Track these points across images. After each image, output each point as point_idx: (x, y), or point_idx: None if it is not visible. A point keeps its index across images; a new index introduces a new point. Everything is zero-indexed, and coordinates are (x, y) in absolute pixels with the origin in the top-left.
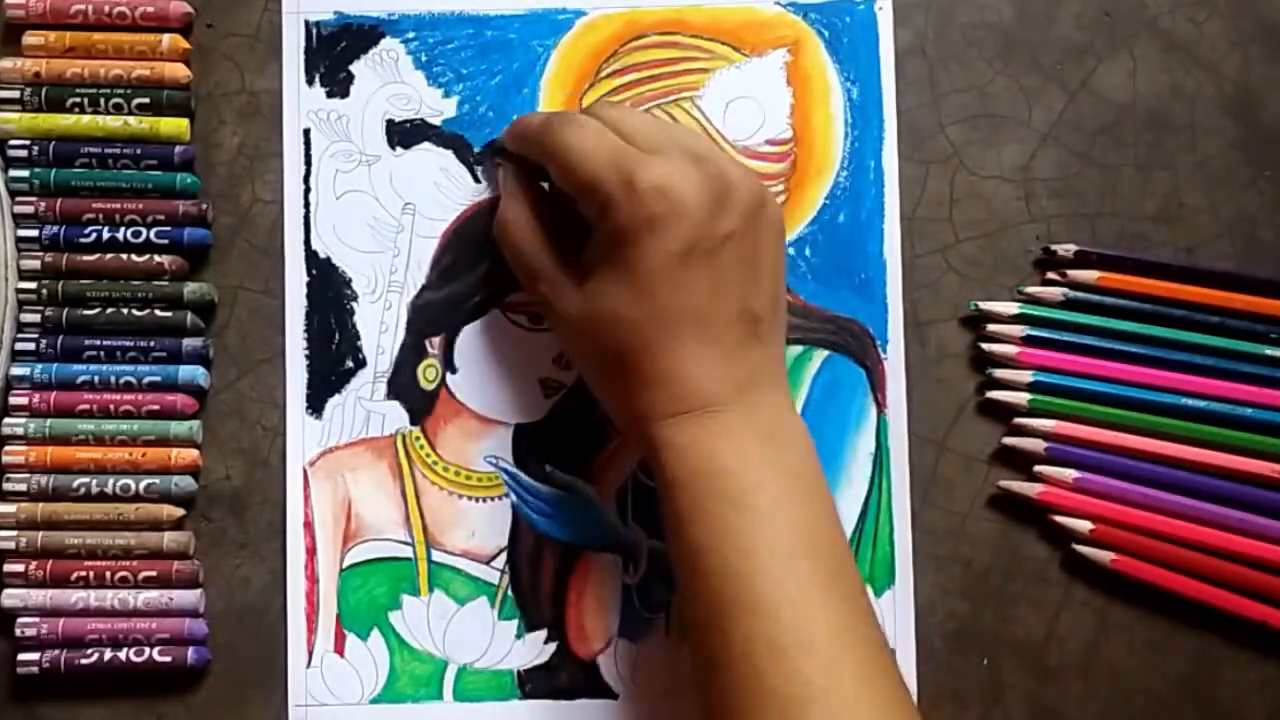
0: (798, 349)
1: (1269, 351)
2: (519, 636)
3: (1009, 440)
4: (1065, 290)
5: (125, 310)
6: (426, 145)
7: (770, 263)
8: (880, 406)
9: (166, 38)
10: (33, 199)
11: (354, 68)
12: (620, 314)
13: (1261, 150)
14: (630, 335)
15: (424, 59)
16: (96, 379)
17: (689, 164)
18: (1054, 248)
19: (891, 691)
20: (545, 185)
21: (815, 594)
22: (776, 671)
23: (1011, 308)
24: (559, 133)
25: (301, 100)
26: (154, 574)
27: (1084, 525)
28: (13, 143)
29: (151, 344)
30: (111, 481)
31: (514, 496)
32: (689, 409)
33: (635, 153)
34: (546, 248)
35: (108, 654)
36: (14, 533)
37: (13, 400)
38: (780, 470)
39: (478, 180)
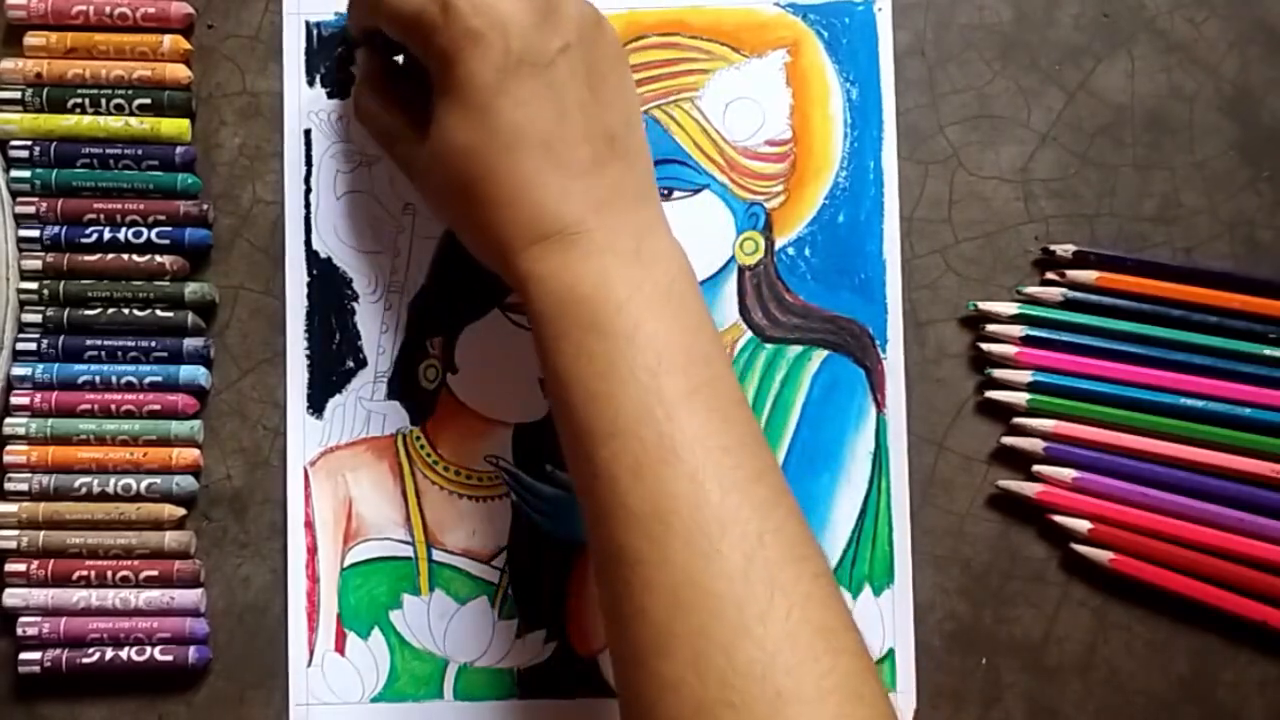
0: (797, 349)
1: (1268, 351)
2: (519, 636)
3: (1008, 440)
4: (1064, 290)
5: (126, 310)
6: None
7: (616, 78)
8: (879, 406)
9: (167, 39)
10: (34, 199)
11: (354, 68)
12: (460, 141)
13: (1260, 151)
14: (475, 162)
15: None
16: (98, 379)
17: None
18: (1053, 248)
19: (766, 498)
20: (399, 60)
21: (680, 409)
22: (639, 489)
23: (1010, 308)
24: None
25: (302, 101)
26: (155, 573)
27: (1083, 525)
28: (14, 143)
29: (153, 344)
30: (113, 481)
31: (514, 496)
32: (546, 234)
33: None
34: (397, 109)
35: (109, 653)
36: (15, 532)
37: (14, 400)
38: (645, 288)
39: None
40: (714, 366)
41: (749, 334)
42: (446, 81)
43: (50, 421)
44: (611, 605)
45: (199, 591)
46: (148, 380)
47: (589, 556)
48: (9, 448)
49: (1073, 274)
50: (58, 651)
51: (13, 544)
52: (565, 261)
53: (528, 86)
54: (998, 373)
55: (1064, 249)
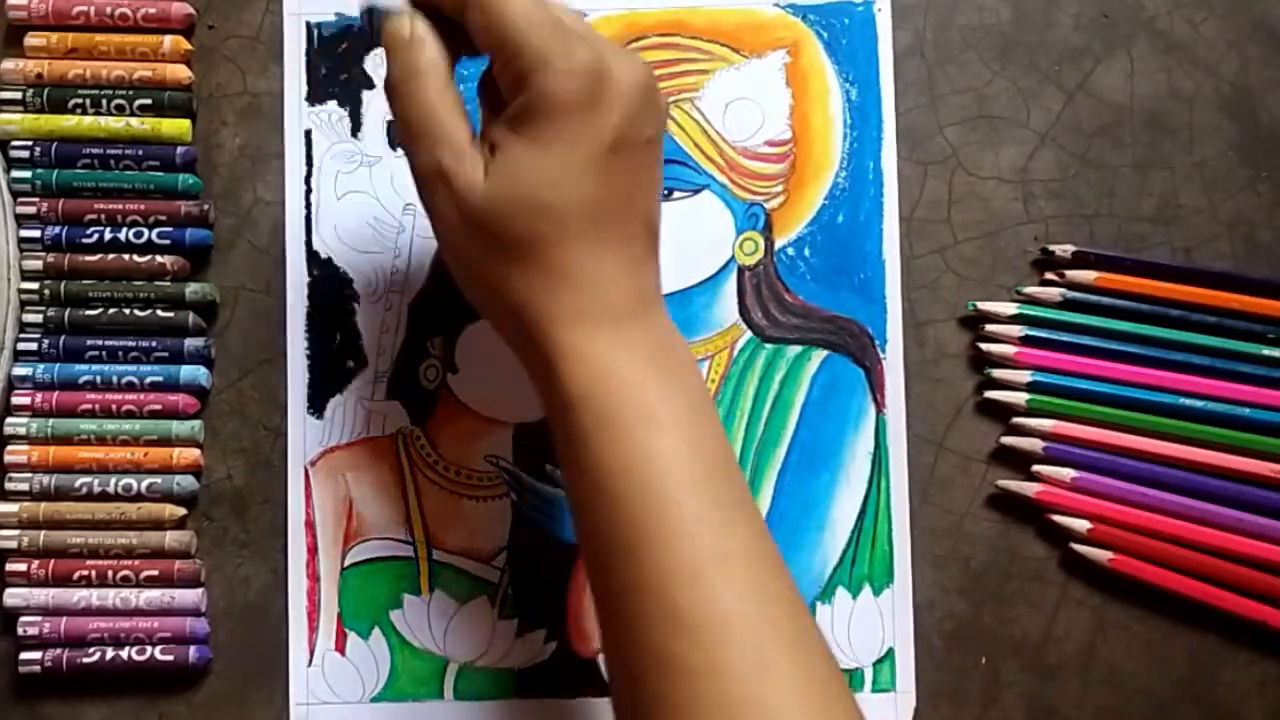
0: (797, 349)
1: (1267, 351)
2: (519, 636)
3: (1007, 440)
4: (1063, 290)
5: (127, 310)
6: None
7: (661, 172)
8: (879, 406)
9: (168, 39)
10: (35, 200)
11: (355, 69)
12: (537, 198)
13: (1259, 151)
14: (545, 223)
15: None
16: (99, 379)
17: (624, 55)
18: (1052, 248)
19: (802, 608)
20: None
21: (730, 513)
22: (694, 596)
23: (1010, 308)
24: None
25: (303, 101)
26: (156, 573)
27: (1082, 525)
28: (15, 144)
29: (153, 344)
30: (113, 481)
31: (514, 496)
32: (595, 315)
33: (574, 24)
34: (459, 113)
35: (109, 653)
36: (16, 532)
37: (15, 400)
38: (681, 389)
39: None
40: (742, 478)
41: (749, 334)
42: (541, 129)
43: (51, 421)
44: (652, 715)
45: (199, 591)
46: (148, 380)
47: (609, 670)
48: (10, 448)
49: (1072, 274)
50: (58, 651)
51: (13, 544)
52: (609, 346)
53: (618, 165)
54: (997, 373)
55: (1063, 249)
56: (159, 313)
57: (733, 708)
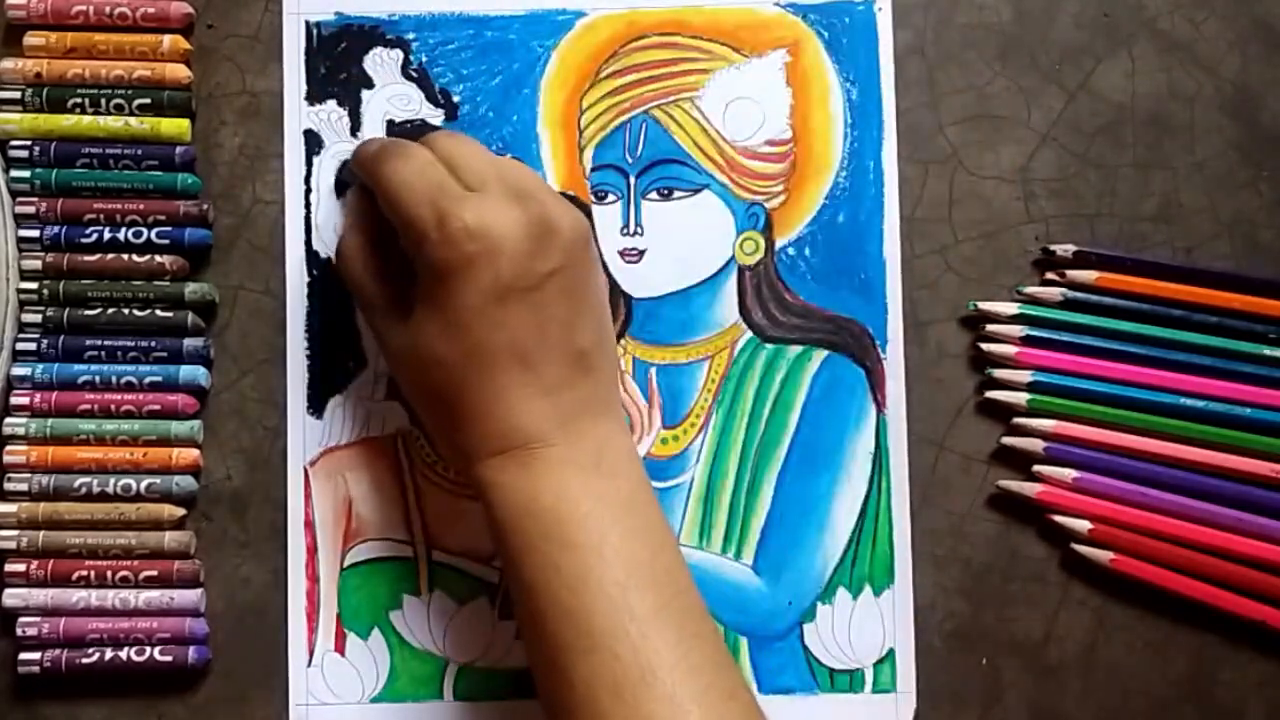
0: (797, 349)
1: (1268, 351)
2: (519, 636)
3: (1008, 440)
4: (1064, 290)
5: (126, 310)
6: None
7: (594, 294)
8: (879, 406)
9: (167, 38)
10: (34, 199)
11: (354, 68)
12: (437, 351)
13: (1260, 150)
14: (447, 373)
15: (424, 59)
16: (98, 379)
17: (509, 202)
18: (1053, 248)
19: (742, 713)
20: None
21: (651, 626)
22: (619, 709)
23: (1010, 308)
24: (386, 163)
25: (302, 101)
26: (155, 573)
27: (1083, 525)
28: (14, 143)
29: (152, 344)
30: (112, 481)
31: None
32: (509, 446)
33: (455, 190)
34: (380, 280)
35: (109, 653)
36: (15, 532)
37: (14, 400)
38: (607, 501)
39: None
40: (678, 580)
41: (749, 334)
42: (431, 292)
43: (50, 421)
44: None
45: (199, 591)
46: (147, 380)
47: None
48: (9, 448)
49: (1073, 274)
50: (57, 651)
51: (13, 544)
52: (527, 474)
53: (513, 310)
54: (998, 373)
55: (1064, 249)
56: (158, 313)
57: None
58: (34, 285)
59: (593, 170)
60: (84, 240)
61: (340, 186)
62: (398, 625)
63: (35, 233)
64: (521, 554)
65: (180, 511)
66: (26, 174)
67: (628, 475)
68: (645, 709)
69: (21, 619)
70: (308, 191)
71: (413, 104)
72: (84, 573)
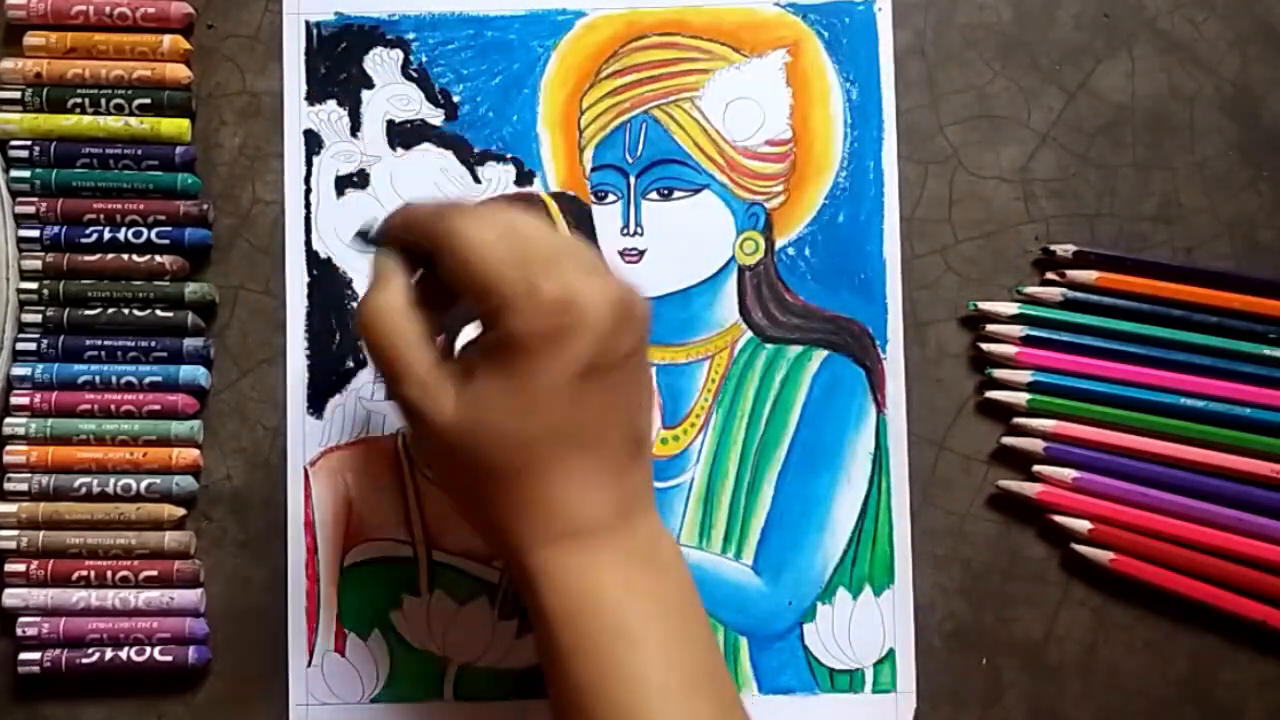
0: (797, 349)
1: (1268, 351)
2: (519, 636)
3: (1008, 440)
4: (1064, 290)
5: (126, 310)
6: (427, 146)
7: (649, 377)
8: (880, 406)
9: (167, 38)
10: (34, 199)
11: (354, 68)
12: (505, 428)
13: (1260, 151)
14: (514, 452)
15: (424, 60)
16: (98, 379)
17: (594, 279)
18: (1053, 248)
19: None
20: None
21: None
22: None
23: (1010, 308)
24: (459, 222)
25: (302, 101)
26: (155, 573)
27: (1083, 525)
28: (14, 143)
29: (152, 344)
30: (112, 481)
31: None
32: (569, 533)
33: (541, 257)
34: (421, 346)
35: (109, 653)
36: (15, 532)
37: (14, 400)
38: (664, 600)
39: (478, 181)
40: (729, 688)
41: (749, 334)
42: (508, 365)
43: (50, 421)
44: None
45: (199, 592)
46: (147, 380)
47: None
48: (9, 448)
49: (1073, 274)
50: (57, 651)
51: (13, 544)
52: (585, 563)
53: (591, 389)
54: (998, 373)
55: (1064, 249)
56: (158, 313)
57: None
58: (34, 285)
59: (593, 170)
60: (84, 240)
61: (362, 242)
62: (398, 625)
63: (35, 233)
64: (577, 650)
65: (180, 511)
66: (26, 174)
67: (679, 570)
68: None
69: (21, 619)
70: (308, 191)
71: (413, 104)
72: (84, 573)
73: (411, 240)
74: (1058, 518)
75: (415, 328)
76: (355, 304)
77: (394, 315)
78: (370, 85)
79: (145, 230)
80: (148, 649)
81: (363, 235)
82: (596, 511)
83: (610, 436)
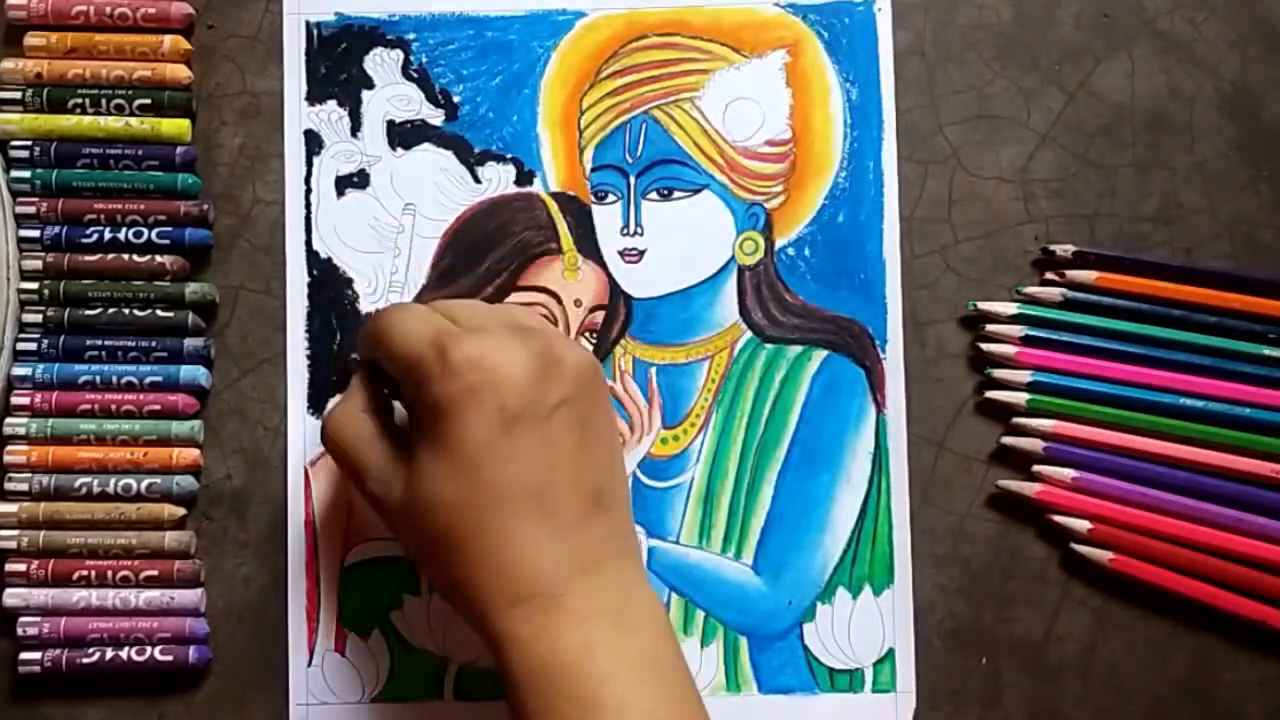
0: (797, 349)
1: (1267, 351)
2: None
3: (1008, 440)
4: (1064, 290)
5: (127, 310)
6: (427, 146)
7: (605, 430)
8: (879, 406)
9: (168, 39)
10: (34, 199)
11: (355, 69)
12: (443, 494)
13: (1260, 151)
14: (457, 518)
15: (425, 60)
16: (98, 379)
17: (511, 338)
18: (1052, 248)
19: None
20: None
21: None
22: None
23: (1010, 308)
24: (386, 316)
25: (302, 101)
26: (155, 573)
27: (1082, 525)
28: (14, 143)
29: (153, 344)
30: (113, 481)
31: None
32: (527, 595)
33: (455, 329)
34: (375, 442)
35: (109, 653)
36: (15, 532)
37: (14, 400)
38: (629, 658)
39: (478, 181)
40: None
41: (749, 334)
42: (435, 432)
43: (50, 421)
44: None
45: (199, 591)
46: (148, 380)
47: None
48: (9, 448)
49: (1072, 274)
50: (58, 651)
51: (13, 544)
52: (547, 626)
53: (522, 442)
54: (997, 373)
55: (1064, 249)
56: (159, 313)
57: None
58: (34, 285)
59: (593, 170)
60: (84, 240)
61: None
62: (398, 625)
63: (36, 233)
64: (537, 715)
65: (180, 511)
66: (27, 174)
67: (648, 626)
68: None
69: (22, 619)
70: (308, 191)
71: (413, 104)
72: (84, 572)
73: (365, 354)
74: (1057, 517)
75: (370, 428)
76: (356, 303)
77: (351, 421)
78: (370, 85)
79: (146, 230)
80: (148, 649)
81: (340, 367)
82: (550, 570)
83: (556, 492)
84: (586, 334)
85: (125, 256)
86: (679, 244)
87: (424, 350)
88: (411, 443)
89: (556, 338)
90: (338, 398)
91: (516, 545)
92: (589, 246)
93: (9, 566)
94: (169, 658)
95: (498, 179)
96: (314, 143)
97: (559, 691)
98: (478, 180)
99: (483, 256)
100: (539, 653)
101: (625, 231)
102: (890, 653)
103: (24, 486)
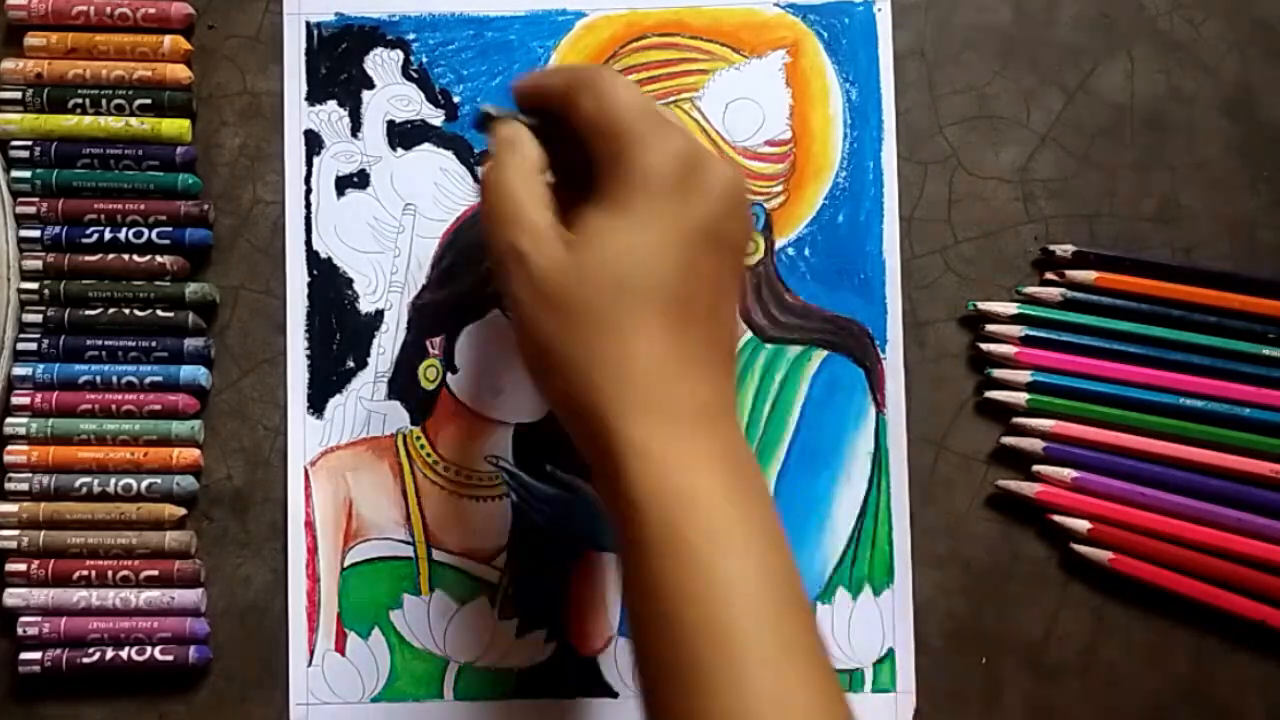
0: (797, 349)
1: (1267, 351)
2: (519, 636)
3: (1007, 440)
4: (1063, 290)
5: (127, 310)
6: (427, 146)
7: (736, 302)
8: (879, 406)
9: (168, 39)
10: (35, 199)
11: (355, 69)
12: (615, 270)
13: (1260, 151)
14: (620, 299)
15: (425, 60)
16: (98, 379)
17: (717, 156)
18: (1052, 248)
19: None
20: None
21: (796, 658)
22: None
23: (1010, 308)
24: (596, 71)
25: (302, 101)
26: (155, 573)
27: (1082, 524)
28: (15, 143)
29: (153, 344)
30: (113, 481)
31: (514, 496)
32: (668, 413)
33: (672, 119)
34: (542, 202)
35: (109, 653)
36: (16, 532)
37: (15, 400)
38: (754, 507)
39: (478, 181)
40: (809, 609)
41: (749, 334)
42: (627, 202)
43: (51, 421)
44: None
45: (199, 591)
46: (148, 380)
47: None
48: (9, 448)
49: (1072, 274)
50: (58, 651)
51: (13, 544)
52: (679, 449)
53: (704, 259)
54: (997, 372)
55: (1063, 249)
56: (159, 313)
57: None
58: (35, 285)
59: None
60: (84, 240)
61: (481, 126)
62: (398, 625)
63: (36, 233)
64: (663, 544)
65: (181, 511)
66: (27, 174)
67: (764, 483)
68: None
69: (22, 619)
70: (308, 191)
71: (413, 104)
72: (85, 572)
73: (541, 98)
74: (1057, 517)
75: (541, 190)
76: (356, 303)
77: (524, 172)
78: (371, 85)
79: (146, 230)
80: (148, 648)
81: (487, 115)
82: (699, 395)
83: (717, 322)
84: None
85: (125, 256)
86: None
87: (647, 120)
88: (585, 210)
89: (742, 175)
90: (501, 145)
91: (668, 354)
92: None
93: (9, 566)
94: (169, 658)
95: None
96: (314, 143)
97: (688, 520)
98: (478, 180)
99: (483, 256)
100: (670, 474)
101: None
102: (890, 653)
103: (24, 486)
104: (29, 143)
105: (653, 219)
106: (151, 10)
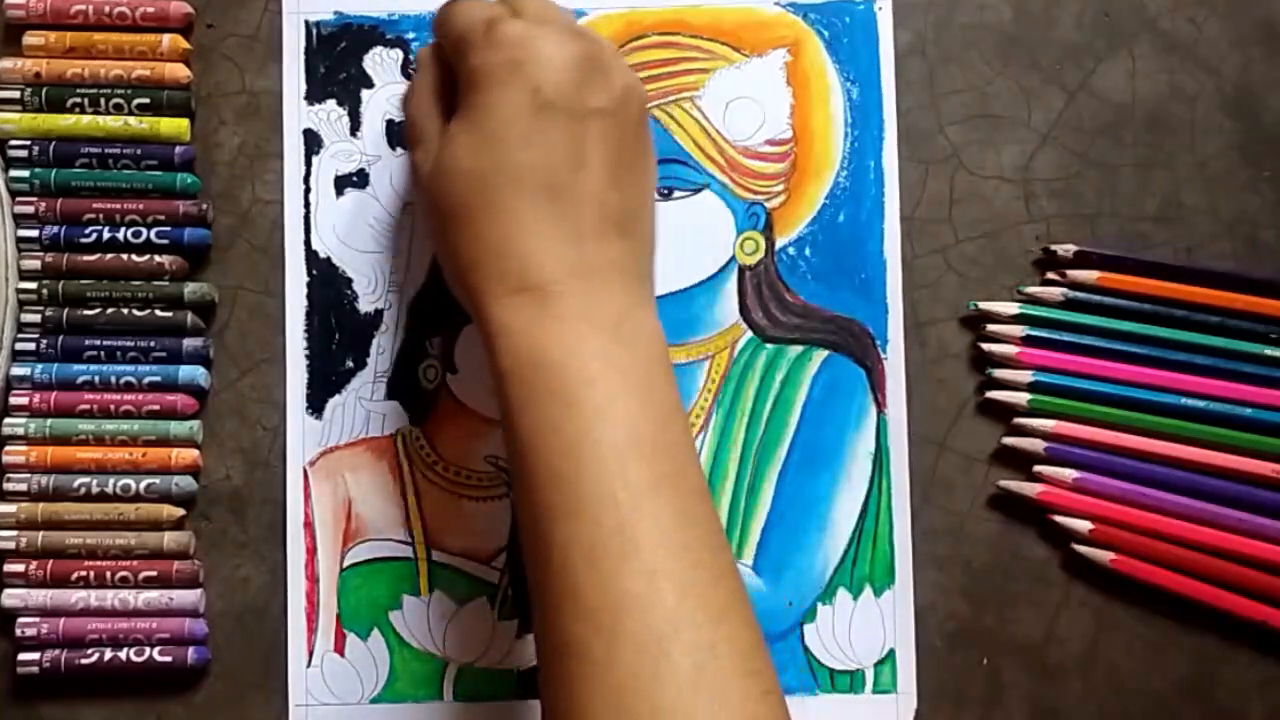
0: (798, 349)
1: (1269, 351)
2: (519, 636)
3: (1009, 440)
4: (1065, 290)
5: (125, 310)
6: None
7: (642, 161)
8: (880, 406)
9: (167, 38)
10: (33, 199)
11: (354, 68)
12: (464, 164)
13: (1261, 150)
14: (473, 190)
15: None
16: (97, 379)
17: (565, 33)
18: (1054, 248)
19: (723, 604)
20: None
21: (643, 497)
22: (593, 578)
23: (1011, 308)
24: (455, 3)
25: (301, 100)
26: (154, 574)
27: (1083, 525)
28: (13, 143)
29: (152, 344)
30: (112, 481)
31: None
32: (526, 286)
33: (512, 11)
34: (434, 118)
35: (108, 654)
36: (14, 533)
37: (13, 400)
38: (619, 367)
39: None
40: (680, 458)
41: (749, 334)
42: (468, 103)
43: (49, 421)
44: (553, 700)
45: (198, 592)
46: (147, 380)
47: (536, 645)
48: (8, 448)
49: (1074, 274)
50: (56, 652)
51: (12, 544)
52: (540, 319)
53: (550, 131)
54: (998, 373)
55: (1065, 249)
56: (157, 313)
57: (623, 706)
58: (33, 285)
59: None
60: (83, 240)
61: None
62: (398, 625)
63: (34, 233)
64: (521, 408)
65: (179, 512)
66: (26, 174)
67: (646, 347)
68: (621, 582)
69: (21, 619)
70: (307, 191)
71: None
72: (83, 573)
73: (437, 34)
74: (1058, 518)
75: (431, 104)
76: (355, 303)
77: (416, 96)
78: (370, 85)
79: (145, 230)
80: (147, 649)
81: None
82: (551, 266)
83: (574, 196)
84: None
85: (124, 256)
86: (679, 243)
87: (475, 24)
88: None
89: (612, 53)
90: (415, 75)
91: (522, 231)
92: None
93: (8, 567)
94: (168, 658)
95: None
96: (313, 142)
97: (544, 386)
98: None
99: None
100: (528, 344)
101: None
102: (891, 653)
103: (23, 487)
104: (27, 142)
105: (488, 109)
106: (150, 9)
